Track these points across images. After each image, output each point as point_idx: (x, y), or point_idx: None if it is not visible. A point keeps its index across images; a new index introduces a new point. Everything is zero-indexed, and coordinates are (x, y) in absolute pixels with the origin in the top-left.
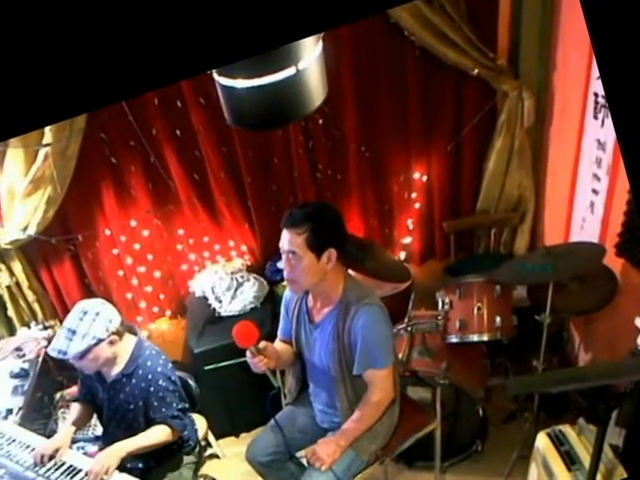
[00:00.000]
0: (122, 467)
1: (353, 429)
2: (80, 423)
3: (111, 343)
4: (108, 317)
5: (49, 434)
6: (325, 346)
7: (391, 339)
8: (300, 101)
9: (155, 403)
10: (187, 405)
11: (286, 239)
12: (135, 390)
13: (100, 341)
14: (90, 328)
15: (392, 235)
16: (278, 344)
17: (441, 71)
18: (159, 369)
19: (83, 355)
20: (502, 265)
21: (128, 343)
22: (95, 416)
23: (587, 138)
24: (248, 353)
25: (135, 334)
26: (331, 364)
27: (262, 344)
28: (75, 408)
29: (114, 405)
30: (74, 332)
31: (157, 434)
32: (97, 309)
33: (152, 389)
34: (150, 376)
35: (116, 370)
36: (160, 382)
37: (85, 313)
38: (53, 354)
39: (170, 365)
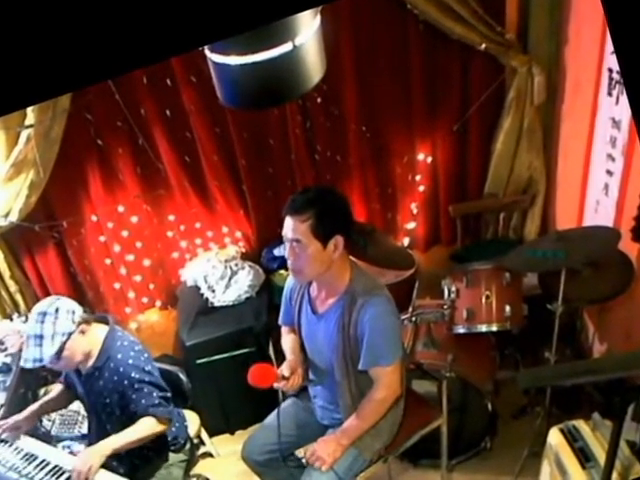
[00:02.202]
0: (108, 466)
1: (355, 427)
2: (54, 405)
3: (82, 332)
4: (69, 309)
5: (32, 432)
6: (329, 339)
7: (399, 333)
8: (297, 78)
9: (133, 396)
10: (169, 393)
11: (289, 227)
12: (108, 384)
13: (71, 334)
14: (56, 326)
15: (395, 220)
16: (290, 338)
17: (446, 46)
18: (130, 361)
19: (59, 355)
20: (511, 251)
21: (99, 334)
22: (81, 416)
23: (601, 116)
24: (276, 386)
25: (107, 324)
26: (334, 358)
27: (283, 370)
28: (56, 389)
29: (92, 400)
30: (41, 337)
31: (142, 426)
32: (54, 306)
33: (126, 382)
34: (122, 369)
35: (90, 363)
36: (133, 375)
37: (44, 314)
38: (28, 365)
39: (145, 355)
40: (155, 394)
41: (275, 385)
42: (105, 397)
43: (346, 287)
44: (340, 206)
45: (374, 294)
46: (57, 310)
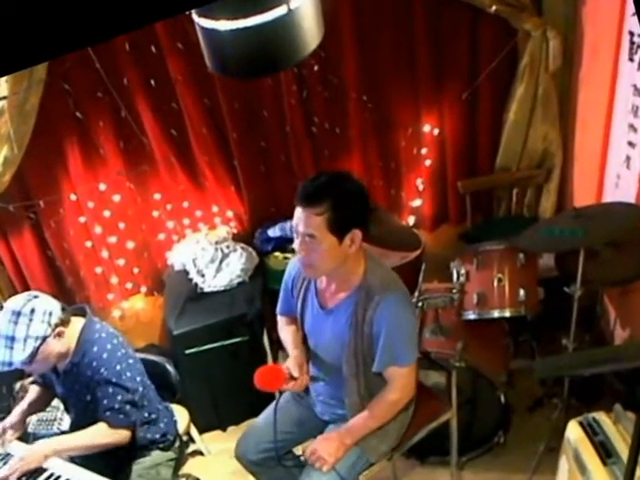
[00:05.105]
0: (92, 467)
1: (362, 426)
2: (37, 405)
3: (59, 336)
4: (45, 310)
5: None
6: (338, 335)
7: (416, 332)
8: (292, 45)
9: (99, 394)
10: (137, 397)
11: (301, 220)
12: (87, 380)
13: (46, 339)
14: (29, 329)
15: (399, 197)
16: (291, 330)
17: (454, 8)
18: (104, 355)
19: (31, 360)
20: (525, 230)
21: (76, 328)
22: (60, 412)
23: (621, 83)
24: (284, 388)
25: (84, 315)
26: (344, 357)
27: (291, 369)
28: (34, 390)
29: (73, 398)
30: (12, 338)
31: (92, 433)
32: (30, 306)
33: (95, 378)
34: (94, 363)
35: (67, 359)
36: (102, 371)
37: (18, 314)
38: None
39: (122, 351)
40: (119, 397)
41: (283, 387)
42: (85, 394)
43: (360, 281)
44: (359, 197)
45: (391, 289)
46: (32, 311)
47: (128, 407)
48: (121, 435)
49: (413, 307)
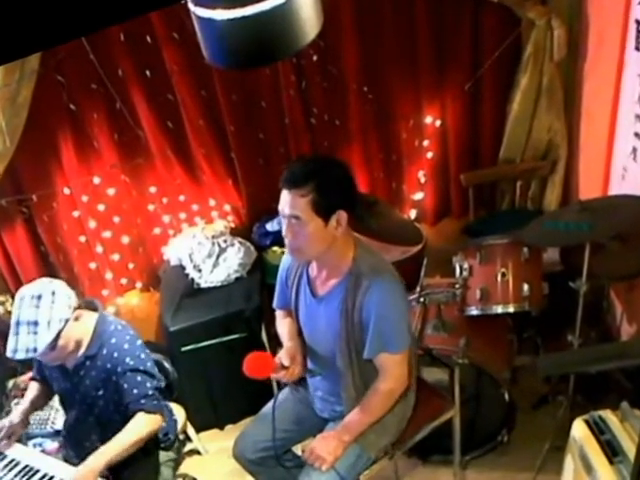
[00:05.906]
0: None
1: (359, 421)
2: (39, 402)
3: (76, 319)
4: (66, 293)
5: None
6: (330, 324)
7: (408, 318)
8: (291, 34)
9: (125, 385)
10: (162, 383)
11: (286, 202)
12: (102, 373)
13: (67, 321)
14: (52, 311)
15: (400, 190)
16: (286, 322)
17: None
18: (125, 346)
19: (54, 344)
20: (530, 223)
21: (89, 321)
22: (54, 411)
23: (628, 73)
24: (274, 377)
25: (95, 310)
26: (336, 345)
27: (282, 358)
28: (34, 387)
29: (80, 394)
30: (35, 323)
31: (137, 426)
32: (51, 288)
33: (119, 369)
34: (116, 354)
35: (80, 352)
36: (127, 361)
37: (39, 298)
38: (19, 356)
39: (139, 341)
40: (149, 384)
41: (273, 376)
42: (98, 389)
43: (350, 267)
44: (343, 178)
45: (381, 274)
46: (54, 293)
47: (157, 393)
48: (158, 421)
49: (404, 291)
